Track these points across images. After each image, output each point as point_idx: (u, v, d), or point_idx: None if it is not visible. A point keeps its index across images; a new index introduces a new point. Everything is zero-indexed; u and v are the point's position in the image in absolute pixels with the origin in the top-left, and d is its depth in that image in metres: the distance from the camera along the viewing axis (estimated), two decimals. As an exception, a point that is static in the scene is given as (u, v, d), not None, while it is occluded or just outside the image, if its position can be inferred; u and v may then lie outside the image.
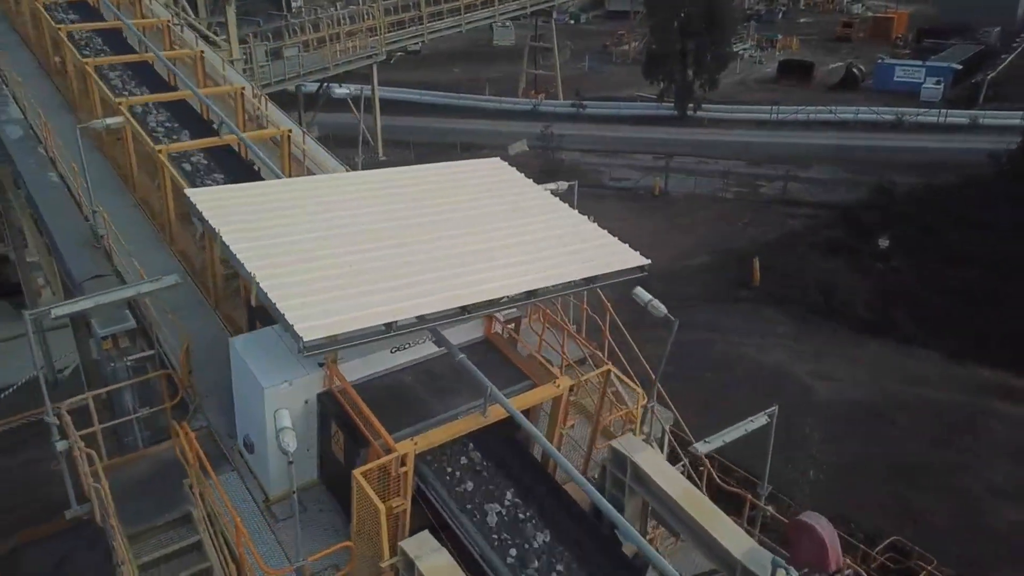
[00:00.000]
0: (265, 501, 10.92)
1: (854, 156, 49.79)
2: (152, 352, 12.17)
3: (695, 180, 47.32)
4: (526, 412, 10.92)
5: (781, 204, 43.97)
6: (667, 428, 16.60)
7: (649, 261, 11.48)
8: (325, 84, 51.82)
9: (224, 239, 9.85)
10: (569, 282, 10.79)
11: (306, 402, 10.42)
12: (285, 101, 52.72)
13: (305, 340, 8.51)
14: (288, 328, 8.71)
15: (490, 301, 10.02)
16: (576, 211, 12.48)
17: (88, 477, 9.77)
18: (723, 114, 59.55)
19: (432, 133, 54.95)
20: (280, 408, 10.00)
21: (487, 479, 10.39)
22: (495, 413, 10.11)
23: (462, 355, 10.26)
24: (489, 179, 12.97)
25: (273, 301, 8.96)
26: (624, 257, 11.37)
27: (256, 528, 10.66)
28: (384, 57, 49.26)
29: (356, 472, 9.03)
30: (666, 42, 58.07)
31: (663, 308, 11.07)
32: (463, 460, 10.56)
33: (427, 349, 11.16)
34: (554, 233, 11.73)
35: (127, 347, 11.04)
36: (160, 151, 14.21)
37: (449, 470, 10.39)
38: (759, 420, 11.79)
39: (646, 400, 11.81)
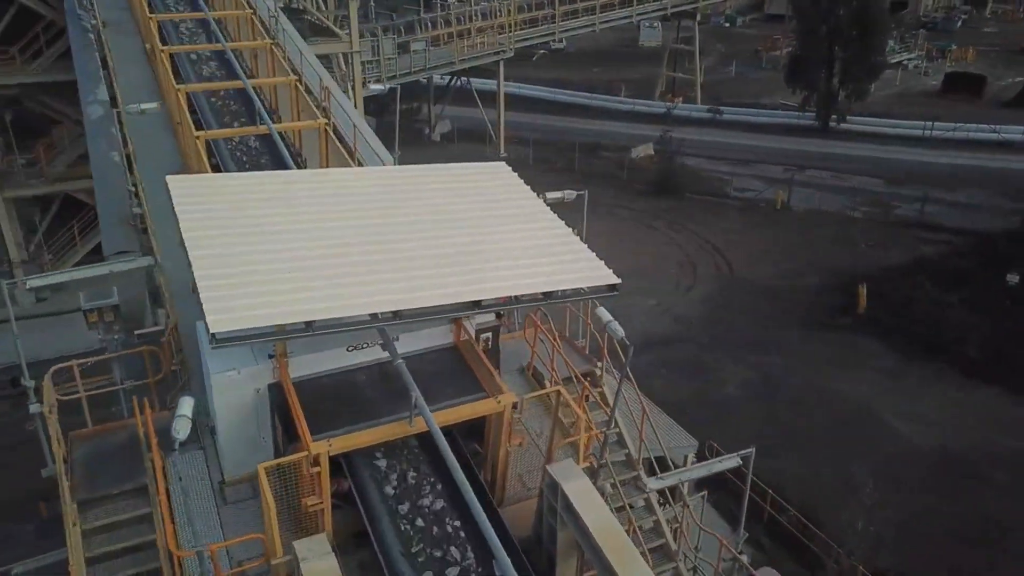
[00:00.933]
0: (221, 483, 11.23)
1: (1011, 181, 45.43)
2: (160, 328, 12.80)
3: (822, 195, 44.65)
4: (483, 425, 10.72)
5: (914, 227, 40.76)
6: (691, 457, 15.86)
7: (620, 281, 10.84)
8: (454, 78, 52.90)
9: (181, 225, 10.18)
10: (525, 295, 10.41)
11: (257, 391, 10.59)
12: (418, 92, 54.31)
13: (214, 331, 8.63)
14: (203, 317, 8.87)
15: (427, 308, 9.82)
16: (563, 222, 12.00)
17: (54, 440, 10.36)
18: (869, 127, 55.85)
19: (556, 132, 54.82)
20: (221, 393, 10.40)
21: (419, 489, 10.23)
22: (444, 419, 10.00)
23: (400, 360, 10.14)
24: (484, 184, 12.71)
25: (199, 289, 9.15)
26: (595, 274, 10.81)
27: (204, 508, 10.98)
28: (512, 54, 49.57)
29: (260, 466, 9.11)
30: (811, 47, 55.13)
31: (620, 331, 10.45)
32: (405, 467, 10.45)
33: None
34: (531, 244, 11.33)
35: (111, 321, 11.68)
36: (199, 137, 14.88)
37: (390, 475, 10.30)
38: (729, 461, 10.95)
39: (610, 425, 11.21)
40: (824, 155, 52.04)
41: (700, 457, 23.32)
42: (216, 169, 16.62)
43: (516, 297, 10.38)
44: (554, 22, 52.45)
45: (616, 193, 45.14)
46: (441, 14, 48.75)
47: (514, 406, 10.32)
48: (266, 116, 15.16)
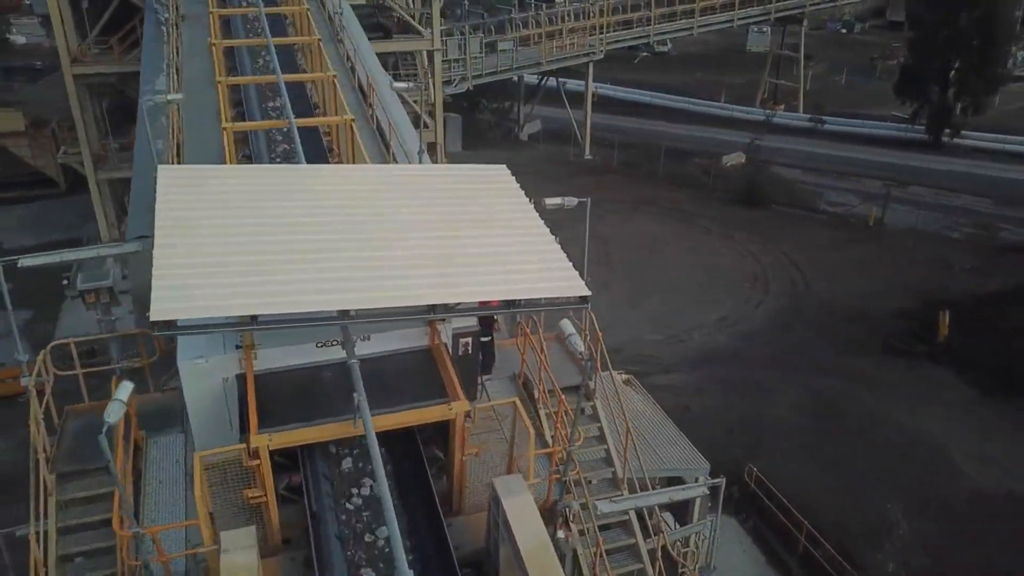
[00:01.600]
0: (194, 468, 11.52)
1: None
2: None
3: (922, 214, 42.10)
4: (444, 431, 10.59)
5: (1018, 253, 37.93)
6: (701, 479, 15.31)
7: (590, 293, 10.46)
8: (545, 78, 52.78)
9: (157, 214, 10.46)
10: (485, 302, 10.19)
11: (225, 380, 10.80)
12: (510, 91, 54.42)
13: (153, 318, 8.80)
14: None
15: (378, 309, 9.74)
16: (548, 231, 11.67)
17: (32, 415, 10.86)
18: (986, 143, 52.32)
19: (648, 136, 53.81)
20: (188, 380, 10.64)
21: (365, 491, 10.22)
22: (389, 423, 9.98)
23: (355, 360, 10.10)
24: (478, 187, 12.52)
25: (152, 275, 9.35)
26: (565, 285, 10.47)
27: (173, 491, 11.31)
28: (602, 56, 49.03)
29: (196, 455, 9.26)
30: (925, 56, 52.10)
31: (580, 345, 10.07)
32: (355, 468, 10.47)
33: (364, 348, 11.11)
34: (508, 250, 11.06)
35: (107, 302, 12.16)
36: (225, 128, 15.33)
37: (337, 475, 10.35)
38: (695, 489, 10.41)
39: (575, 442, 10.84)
40: (931, 171, 49.12)
41: (737, 483, 22.57)
42: (248, 160, 17.15)
43: (480, 303, 10.17)
44: (649, 24, 51.55)
45: (699, 201, 44.00)
46: (532, 14, 48.67)
47: (467, 415, 10.12)
48: (288, 110, 15.45)
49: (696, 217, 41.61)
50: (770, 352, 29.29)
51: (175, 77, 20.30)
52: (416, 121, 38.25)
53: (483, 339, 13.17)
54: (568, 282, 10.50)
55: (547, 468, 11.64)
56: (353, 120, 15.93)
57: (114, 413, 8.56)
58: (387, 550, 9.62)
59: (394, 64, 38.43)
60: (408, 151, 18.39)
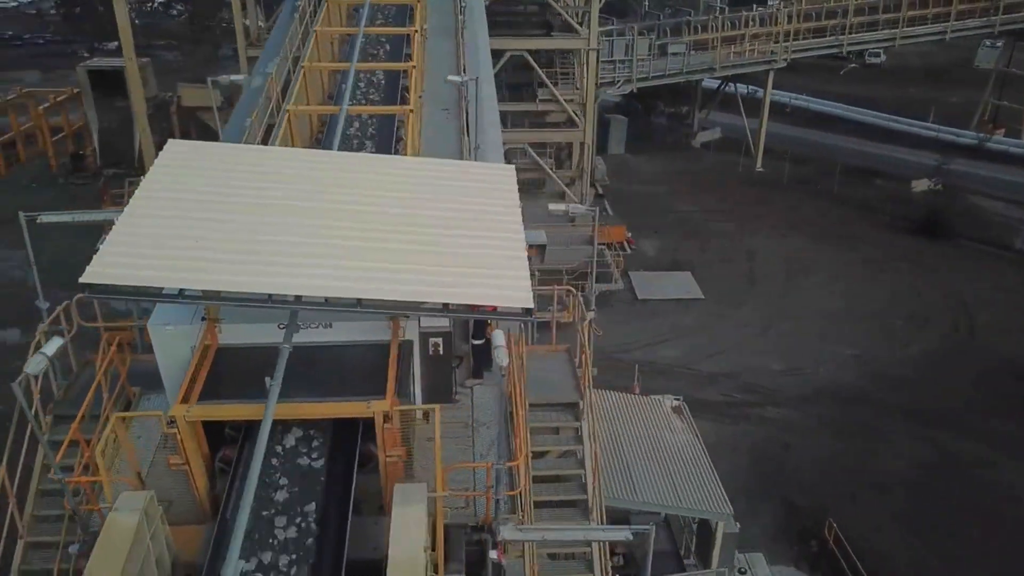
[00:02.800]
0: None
1: None
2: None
3: None
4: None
5: None
6: (721, 526, 14.30)
7: (533, 307, 9.85)
8: (724, 83, 50.63)
9: (143, 183, 11.03)
10: (426, 303, 9.86)
11: (191, 348, 11.23)
12: (688, 95, 52.67)
13: (82, 280, 9.29)
14: (91, 264, 9.57)
15: (308, 298, 9.73)
16: (522, 238, 11.11)
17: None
18: None
19: (830, 151, 50.01)
20: (158, 344, 11.16)
21: (293, 477, 10.22)
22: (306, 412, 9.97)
23: (288, 346, 10.16)
24: (476, 185, 12.15)
25: (105, 240, 9.88)
26: (511, 295, 9.93)
27: (146, 447, 11.93)
28: (784, 64, 46.19)
29: (115, 415, 9.69)
30: None
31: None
32: (290, 449, 10.52)
33: (324, 335, 11.19)
34: (471, 252, 10.68)
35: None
36: (288, 110, 15.97)
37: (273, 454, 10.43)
38: (617, 532, 9.47)
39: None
40: None
41: (815, 536, 20.51)
42: (317, 144, 17.72)
43: (416, 303, 9.86)
44: (844, 33, 47.86)
45: (869, 225, 40.37)
46: (712, 17, 46.71)
47: (386, 416, 9.85)
48: (345, 97, 15.83)
49: (860, 243, 38.19)
50: (903, 400, 26.33)
51: (289, 60, 21.45)
52: (571, 120, 38.08)
53: (475, 342, 12.82)
54: (515, 292, 9.97)
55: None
56: (411, 111, 16.00)
57: (35, 365, 9.14)
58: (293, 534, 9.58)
59: (549, 62, 38.39)
60: (487, 149, 18.30)
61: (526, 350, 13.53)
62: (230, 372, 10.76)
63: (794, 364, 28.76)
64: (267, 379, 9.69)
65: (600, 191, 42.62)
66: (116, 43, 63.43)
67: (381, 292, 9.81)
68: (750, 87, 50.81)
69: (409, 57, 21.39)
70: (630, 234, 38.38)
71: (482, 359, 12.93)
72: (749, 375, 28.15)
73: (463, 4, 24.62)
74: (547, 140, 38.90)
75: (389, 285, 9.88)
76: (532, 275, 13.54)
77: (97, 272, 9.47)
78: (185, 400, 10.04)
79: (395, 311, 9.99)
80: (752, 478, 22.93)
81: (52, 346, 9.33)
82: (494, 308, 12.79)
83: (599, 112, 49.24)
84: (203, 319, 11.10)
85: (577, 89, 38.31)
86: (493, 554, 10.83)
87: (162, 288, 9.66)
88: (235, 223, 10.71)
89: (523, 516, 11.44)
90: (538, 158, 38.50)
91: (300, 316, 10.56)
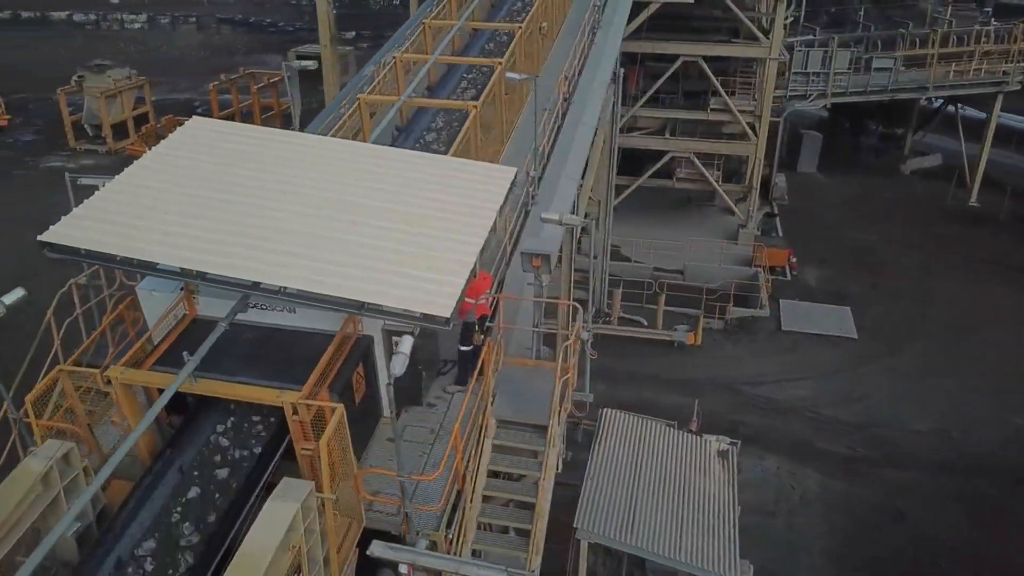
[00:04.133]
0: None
1: None
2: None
3: None
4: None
5: None
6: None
7: (448, 316, 9.33)
8: (945, 103, 45.47)
9: (145, 155, 11.73)
10: (341, 298, 9.70)
11: (176, 316, 11.85)
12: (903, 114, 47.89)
13: (40, 237, 10.05)
14: (59, 225, 10.34)
15: (221, 276, 9.93)
16: (479, 244, 10.57)
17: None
18: None
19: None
20: (145, 307, 11.92)
21: (217, 455, 10.45)
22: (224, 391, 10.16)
23: (226, 326, 10.42)
24: (464, 184, 11.75)
25: (80, 204, 10.63)
26: (431, 301, 9.51)
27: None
28: (1018, 87, 40.49)
29: (59, 368, 10.38)
30: None
31: (399, 368, 9.01)
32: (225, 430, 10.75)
33: (285, 319, 11.39)
34: (419, 251, 10.38)
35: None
36: (359, 100, 16.41)
37: (208, 432, 10.71)
38: (492, 571, 8.72)
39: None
40: None
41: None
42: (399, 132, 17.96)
43: (336, 298, 9.72)
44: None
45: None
46: (931, 31, 41.82)
47: (295, 408, 9.76)
48: (408, 90, 15.93)
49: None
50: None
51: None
52: (741, 133, 35.88)
53: (462, 348, 12.42)
54: (438, 299, 9.56)
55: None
56: (475, 107, 15.80)
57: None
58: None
59: (730, 70, 36.39)
60: (569, 169, 17.75)
61: (513, 362, 12.93)
62: (195, 343, 11.15)
63: (943, 425, 25.23)
64: (185, 353, 10.01)
65: (774, 210, 39.85)
66: (354, 32, 68.70)
67: (307, 283, 9.78)
68: (974, 110, 45.11)
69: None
70: (795, 259, 35.61)
71: (467, 366, 12.50)
72: (884, 429, 25.09)
73: (597, 3, 23.98)
74: (715, 151, 36.95)
75: (317, 277, 9.83)
76: (540, 283, 13.02)
77: (58, 232, 10.21)
78: (131, 364, 10.57)
79: (315, 303, 9.87)
80: (844, 545, 20.44)
81: (11, 297, 10.12)
82: (482, 314, 12.47)
83: (792, 127, 46.11)
84: (180, 290, 11.63)
85: (754, 100, 36.02)
86: (403, 568, 10.47)
87: (116, 255, 10.22)
88: (211, 201, 11.12)
89: (458, 534, 10.97)
90: (704, 169, 36.71)
91: (265, 298, 10.80)
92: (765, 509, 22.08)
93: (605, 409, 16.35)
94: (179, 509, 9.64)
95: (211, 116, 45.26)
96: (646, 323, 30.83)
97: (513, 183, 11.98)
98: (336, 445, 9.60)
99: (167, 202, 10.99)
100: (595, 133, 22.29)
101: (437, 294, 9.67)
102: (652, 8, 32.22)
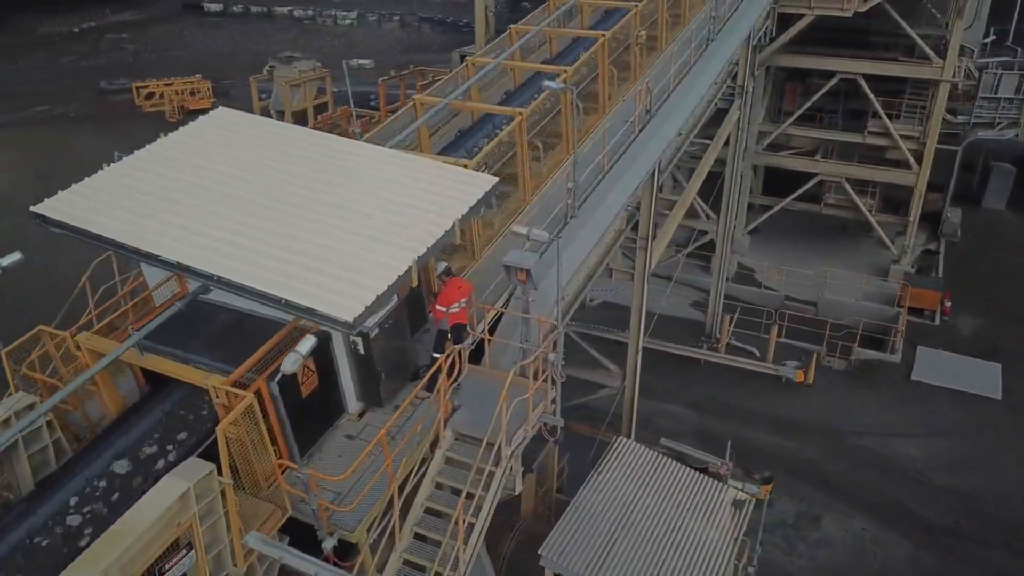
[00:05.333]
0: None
1: None
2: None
3: None
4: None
5: None
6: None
7: (350, 320, 9.30)
8: None
9: (157, 142, 12.58)
10: (258, 289, 9.96)
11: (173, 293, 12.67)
12: None
13: (32, 208, 11.07)
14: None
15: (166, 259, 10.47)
16: (419, 251, 10.42)
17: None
18: None
19: None
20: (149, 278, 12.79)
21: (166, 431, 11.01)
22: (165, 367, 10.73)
23: (181, 306, 10.98)
24: (434, 187, 11.65)
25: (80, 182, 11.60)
26: (338, 304, 9.54)
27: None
28: None
29: (43, 328, 11.37)
30: None
31: (289, 366, 9.06)
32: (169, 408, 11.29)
33: (255, 305, 11.80)
34: (355, 252, 10.47)
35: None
36: (414, 99, 16.71)
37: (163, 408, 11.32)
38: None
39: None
40: None
41: None
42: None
43: (256, 290, 9.98)
44: None
45: None
46: None
47: (216, 392, 10.10)
48: (458, 93, 15.99)
49: None
50: None
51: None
52: (901, 160, 32.77)
53: (435, 355, 12.30)
54: (346, 302, 9.59)
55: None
56: (521, 114, 15.61)
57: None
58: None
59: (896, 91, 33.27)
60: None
61: (494, 375, 12.53)
62: (175, 319, 11.82)
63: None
64: (130, 327, 10.65)
65: (939, 247, 36.03)
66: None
67: (234, 272, 10.11)
68: None
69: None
70: (949, 303, 32.03)
71: (439, 373, 12.35)
72: (999, 505, 22.04)
73: (714, 14, 22.81)
74: (870, 178, 34.00)
75: (246, 267, 10.15)
76: (527, 297, 12.58)
77: (49, 206, 11.20)
78: (109, 332, 11.41)
79: (242, 293, 10.13)
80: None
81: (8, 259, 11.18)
82: (456, 322, 12.27)
83: (985, 157, 41.46)
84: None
85: (920, 126, 32.76)
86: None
87: (98, 233, 11.03)
88: (185, 187, 11.66)
89: (384, 539, 10.88)
90: (855, 196, 33.87)
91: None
92: (835, 571, 20.15)
93: (620, 437, 15.56)
94: (103, 481, 10.22)
95: (379, 109, 47.80)
96: (758, 354, 29.00)
97: (489, 193, 11.68)
98: (243, 432, 9.83)
99: (149, 185, 11.66)
100: (677, 149, 21.34)
101: (349, 296, 9.66)
102: (804, 21, 30.11)
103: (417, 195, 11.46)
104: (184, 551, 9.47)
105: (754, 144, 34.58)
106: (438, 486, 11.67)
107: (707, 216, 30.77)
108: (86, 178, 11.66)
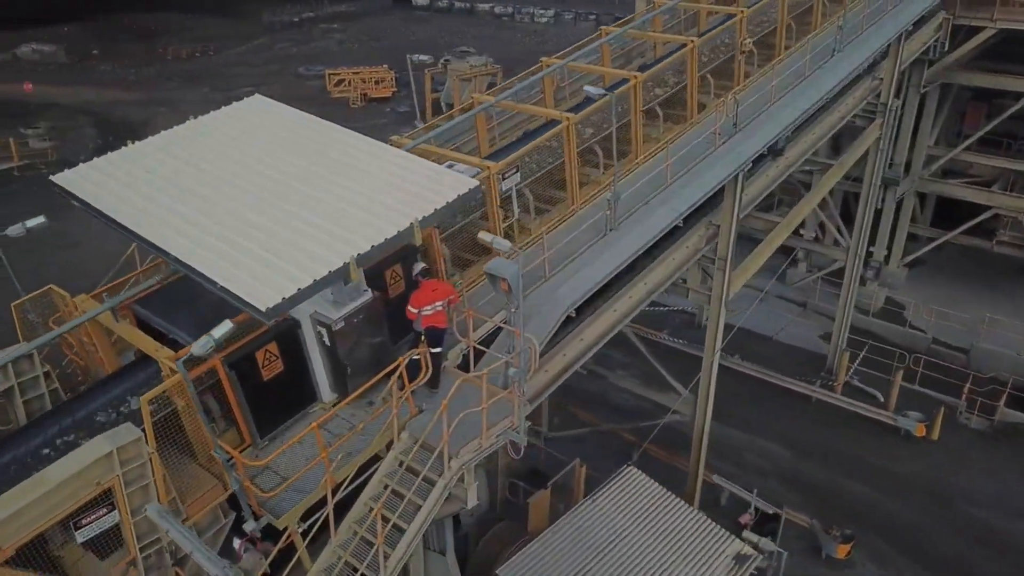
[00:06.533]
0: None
1: None
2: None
3: None
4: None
5: None
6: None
7: (263, 309, 9.39)
8: None
9: (189, 122, 13.29)
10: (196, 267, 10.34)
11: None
12: None
13: (53, 177, 12.09)
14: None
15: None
16: (367, 247, 10.33)
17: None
18: None
19: None
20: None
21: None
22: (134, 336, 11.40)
23: (154, 282, 11.62)
24: (407, 184, 11.51)
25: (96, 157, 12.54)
26: (258, 292, 9.70)
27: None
28: None
29: (52, 288, 12.41)
30: None
31: (198, 349, 9.26)
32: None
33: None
34: (299, 240, 10.60)
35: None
36: (473, 98, 16.65)
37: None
38: (216, 567, 8.67)
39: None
40: None
41: None
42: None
43: (197, 271, 10.32)
44: None
45: None
46: None
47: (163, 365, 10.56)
48: (507, 94, 15.68)
49: None
50: None
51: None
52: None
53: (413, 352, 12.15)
54: (266, 291, 9.72)
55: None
56: (567, 119, 15.10)
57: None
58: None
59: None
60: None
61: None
62: (173, 292, 12.52)
63: None
64: (105, 294, 11.36)
65: None
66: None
67: (183, 252, 10.49)
68: None
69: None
70: None
71: (415, 373, 12.22)
72: None
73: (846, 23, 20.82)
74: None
75: (196, 249, 10.50)
76: (510, 308, 12.16)
77: (66, 177, 12.18)
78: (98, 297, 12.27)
79: (188, 272, 10.45)
80: None
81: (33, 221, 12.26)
82: (429, 325, 12.04)
83: None
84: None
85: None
86: (236, 541, 10.83)
87: (97, 207, 11.82)
88: (190, 172, 12.19)
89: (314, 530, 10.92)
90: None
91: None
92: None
93: (629, 466, 14.63)
94: (60, 440, 11.01)
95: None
96: (881, 399, 26.25)
97: (464, 196, 11.34)
98: (190, 404, 10.18)
99: (152, 165, 12.30)
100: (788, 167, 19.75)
101: (271, 286, 9.76)
102: (983, 35, 26.78)
103: (393, 192, 11.36)
104: (105, 510, 10.03)
105: (920, 168, 31.29)
106: (386, 487, 11.54)
107: (836, 241, 28.25)
108: (107, 155, 12.55)
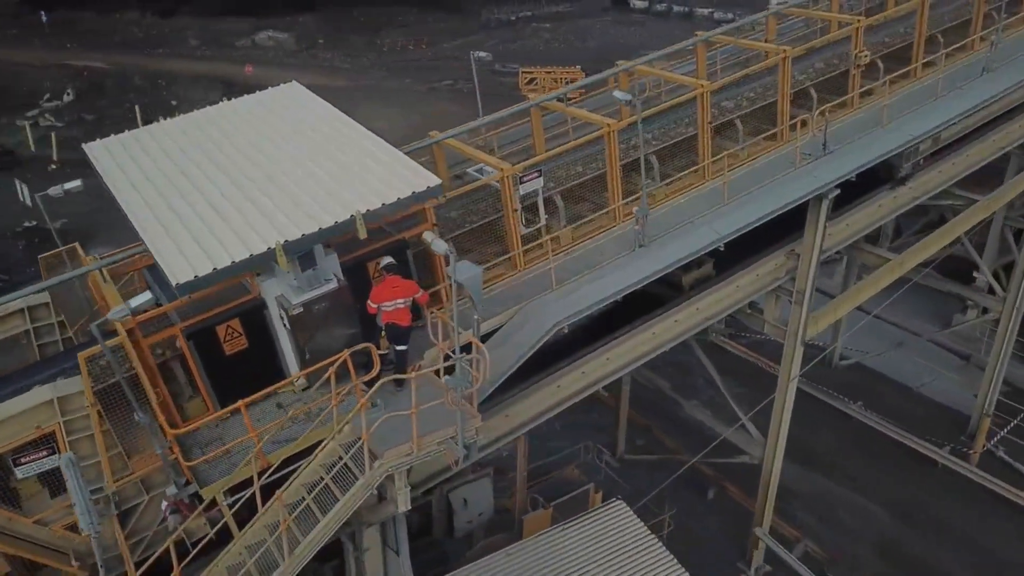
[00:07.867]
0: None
1: None
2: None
3: None
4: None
5: None
6: None
7: (173, 283, 9.69)
8: None
9: (219, 105, 13.95)
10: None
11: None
12: None
13: (84, 145, 13.14)
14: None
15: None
16: (298, 235, 10.34)
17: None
18: None
19: None
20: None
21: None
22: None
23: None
24: (371, 176, 11.38)
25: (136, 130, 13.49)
26: (178, 266, 10.08)
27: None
28: None
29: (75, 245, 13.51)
30: None
31: (115, 315, 9.70)
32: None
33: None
34: (238, 218, 10.88)
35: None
36: (526, 95, 16.22)
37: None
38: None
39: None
40: None
41: None
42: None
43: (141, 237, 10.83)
44: None
45: None
46: None
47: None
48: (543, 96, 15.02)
49: None
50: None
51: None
52: None
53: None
54: (186, 267, 10.07)
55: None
56: (608, 125, 14.35)
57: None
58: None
59: None
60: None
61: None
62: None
63: None
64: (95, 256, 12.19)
65: None
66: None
67: (141, 225, 11.05)
68: None
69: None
70: None
71: (399, 364, 12.12)
72: None
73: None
74: None
75: (154, 224, 11.04)
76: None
77: (93, 147, 13.19)
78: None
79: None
80: None
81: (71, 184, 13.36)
82: (390, 321, 11.87)
83: None
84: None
85: None
86: (164, 504, 11.28)
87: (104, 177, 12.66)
88: (199, 155, 12.70)
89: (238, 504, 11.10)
90: None
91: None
92: None
93: (616, 500, 13.53)
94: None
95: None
96: (1029, 478, 22.52)
97: (422, 195, 10.99)
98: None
99: (169, 143, 12.95)
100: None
101: (193, 263, 10.00)
102: None
103: (353, 185, 11.26)
104: (45, 452, 10.80)
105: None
106: (321, 479, 11.48)
107: (991, 290, 24.43)
108: (137, 130, 13.46)
